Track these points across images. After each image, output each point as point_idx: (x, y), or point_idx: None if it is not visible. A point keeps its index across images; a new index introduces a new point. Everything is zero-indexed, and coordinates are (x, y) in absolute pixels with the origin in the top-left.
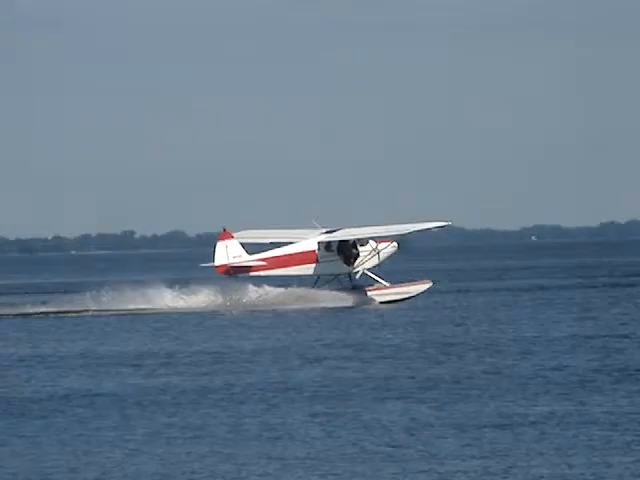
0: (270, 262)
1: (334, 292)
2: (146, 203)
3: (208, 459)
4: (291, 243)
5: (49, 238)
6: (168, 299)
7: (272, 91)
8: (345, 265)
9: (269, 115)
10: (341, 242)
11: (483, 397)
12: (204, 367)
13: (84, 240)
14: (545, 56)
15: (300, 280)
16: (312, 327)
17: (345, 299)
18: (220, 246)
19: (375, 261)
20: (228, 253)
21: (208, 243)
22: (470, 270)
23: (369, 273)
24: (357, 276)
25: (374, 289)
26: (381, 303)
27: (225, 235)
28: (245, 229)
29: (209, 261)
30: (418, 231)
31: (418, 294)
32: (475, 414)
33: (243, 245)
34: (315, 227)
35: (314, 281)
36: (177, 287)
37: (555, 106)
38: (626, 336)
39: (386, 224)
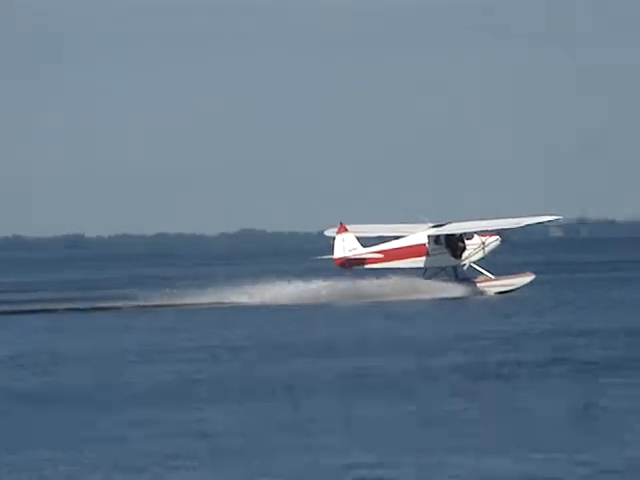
0: (385, 255)
1: (447, 283)
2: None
3: None
4: (398, 237)
5: None
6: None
7: (272, 91)
8: (453, 258)
9: (269, 115)
10: (448, 236)
11: None
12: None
13: None
14: (545, 56)
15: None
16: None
17: (459, 290)
18: (337, 239)
19: (480, 254)
20: (345, 246)
21: (45, 247)
22: None
23: (475, 266)
24: (464, 269)
25: (482, 281)
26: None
27: (342, 229)
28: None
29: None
30: (529, 225)
31: (522, 286)
32: None
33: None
34: (422, 221)
35: (422, 273)
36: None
37: (555, 106)
38: None
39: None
